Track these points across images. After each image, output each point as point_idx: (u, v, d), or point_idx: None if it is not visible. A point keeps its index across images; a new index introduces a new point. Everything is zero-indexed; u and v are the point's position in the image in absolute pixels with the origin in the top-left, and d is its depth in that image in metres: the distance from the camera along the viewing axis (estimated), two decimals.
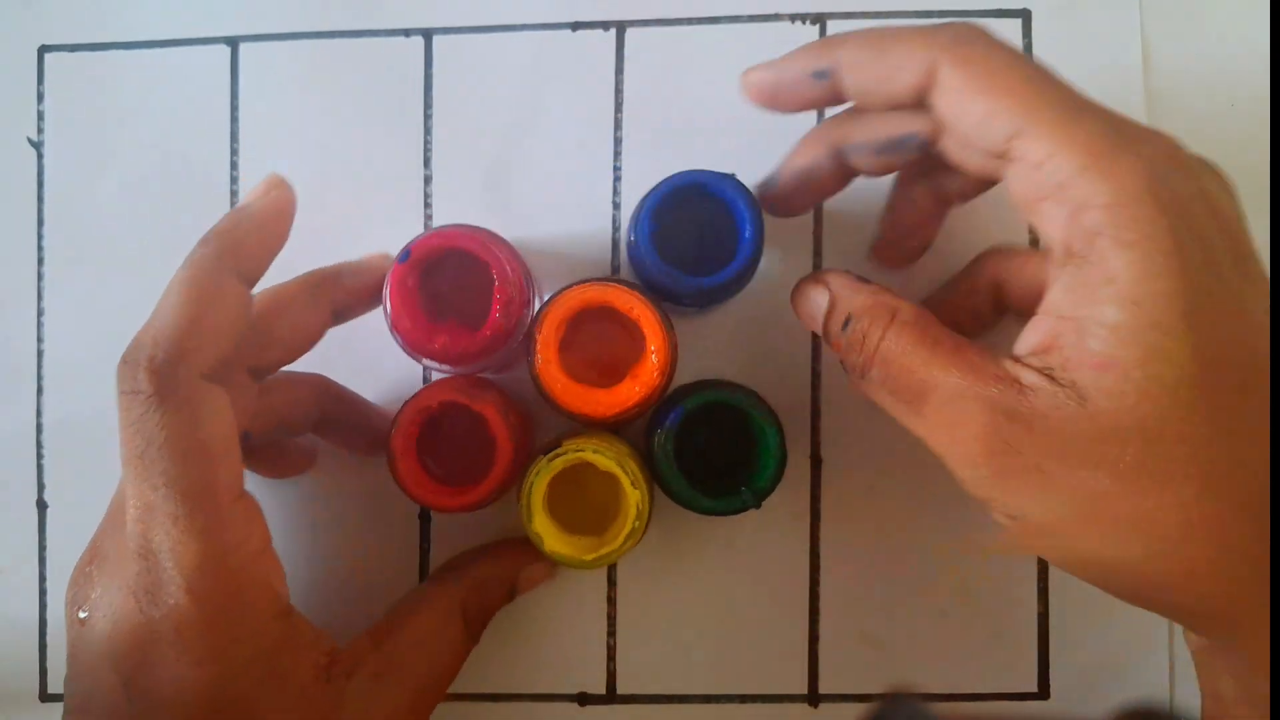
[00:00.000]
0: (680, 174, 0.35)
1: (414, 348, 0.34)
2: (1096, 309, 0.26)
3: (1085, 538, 0.27)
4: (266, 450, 0.39)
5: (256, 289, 0.34)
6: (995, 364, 0.28)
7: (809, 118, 0.41)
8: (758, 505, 0.35)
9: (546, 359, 0.34)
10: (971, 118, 0.28)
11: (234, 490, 0.31)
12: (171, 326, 0.30)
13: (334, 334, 0.42)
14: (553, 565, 0.39)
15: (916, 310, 0.30)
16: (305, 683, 0.31)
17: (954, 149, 0.30)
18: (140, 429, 0.29)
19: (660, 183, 0.35)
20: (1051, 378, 0.27)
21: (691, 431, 0.35)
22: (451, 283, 0.37)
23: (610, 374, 0.35)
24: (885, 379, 0.30)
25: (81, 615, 0.31)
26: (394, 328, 0.34)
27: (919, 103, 0.30)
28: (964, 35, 0.29)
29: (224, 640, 0.30)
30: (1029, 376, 0.27)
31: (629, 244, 0.36)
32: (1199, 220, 0.26)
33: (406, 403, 0.36)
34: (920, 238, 0.37)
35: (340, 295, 0.36)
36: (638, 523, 0.35)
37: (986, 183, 0.33)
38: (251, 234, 0.33)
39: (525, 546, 0.37)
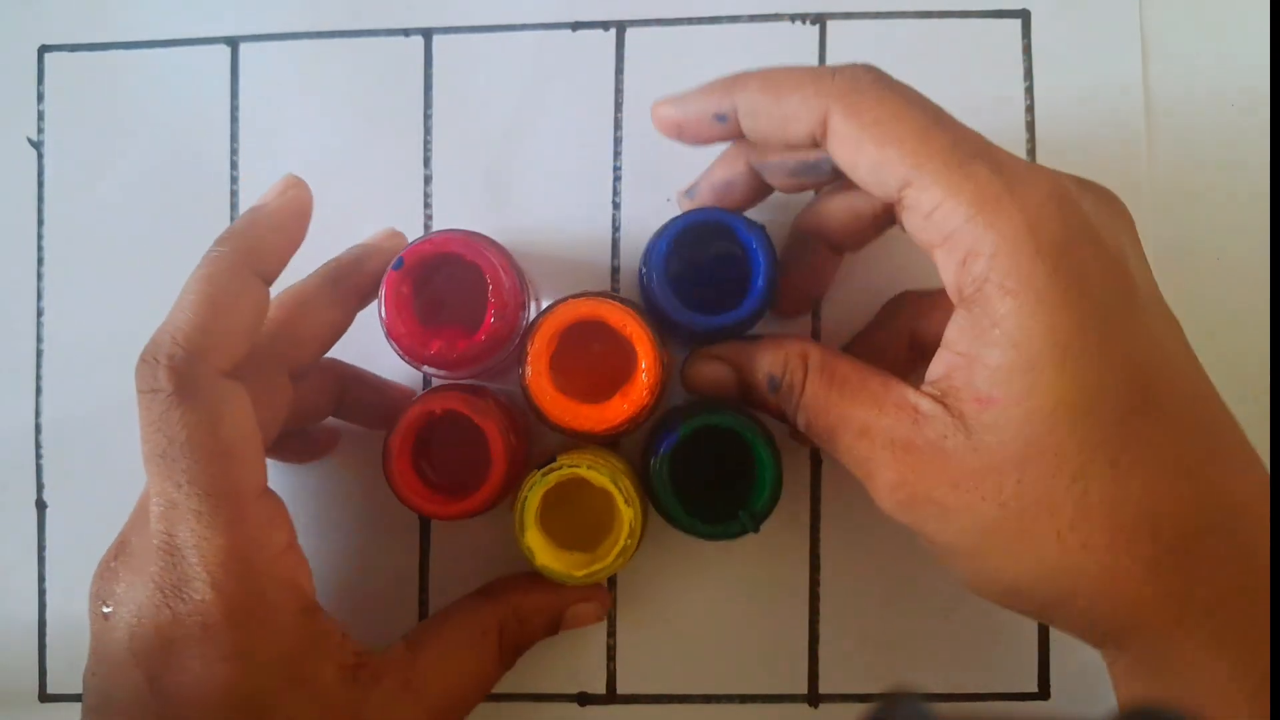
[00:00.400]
0: (704, 211, 0.35)
1: (409, 354, 0.35)
2: (983, 350, 0.28)
3: (983, 561, 0.29)
4: (290, 440, 0.39)
5: (274, 289, 0.34)
6: (896, 392, 0.30)
7: None
8: (755, 529, 0.35)
9: (537, 371, 0.34)
10: (863, 167, 0.29)
11: (257, 487, 0.31)
12: (190, 324, 0.30)
13: None
14: (604, 607, 0.39)
15: (821, 351, 0.32)
16: (329, 684, 0.31)
17: (852, 193, 0.32)
18: (161, 427, 0.29)
19: (680, 218, 0.35)
20: (945, 406, 0.28)
21: (688, 454, 0.35)
22: (448, 288, 0.37)
23: (602, 389, 0.35)
24: (807, 424, 0.32)
25: (105, 610, 0.31)
26: (389, 334, 0.34)
27: (816, 145, 0.31)
28: (856, 82, 0.29)
29: (248, 637, 0.30)
30: (926, 405, 0.29)
31: (642, 273, 0.36)
32: (1080, 259, 0.27)
33: (404, 409, 0.36)
34: (816, 288, 0.38)
35: (362, 281, 0.36)
36: (630, 540, 0.35)
37: (881, 227, 0.34)
38: (269, 233, 0.33)
39: (575, 588, 0.37)
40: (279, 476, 0.42)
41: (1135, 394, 0.27)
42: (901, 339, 0.37)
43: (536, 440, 0.41)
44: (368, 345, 0.41)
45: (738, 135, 0.33)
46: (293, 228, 0.33)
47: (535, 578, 0.38)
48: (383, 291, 0.34)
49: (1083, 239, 0.28)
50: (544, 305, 0.37)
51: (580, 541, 0.37)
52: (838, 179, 0.32)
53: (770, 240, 0.35)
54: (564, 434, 0.35)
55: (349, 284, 0.36)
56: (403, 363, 0.36)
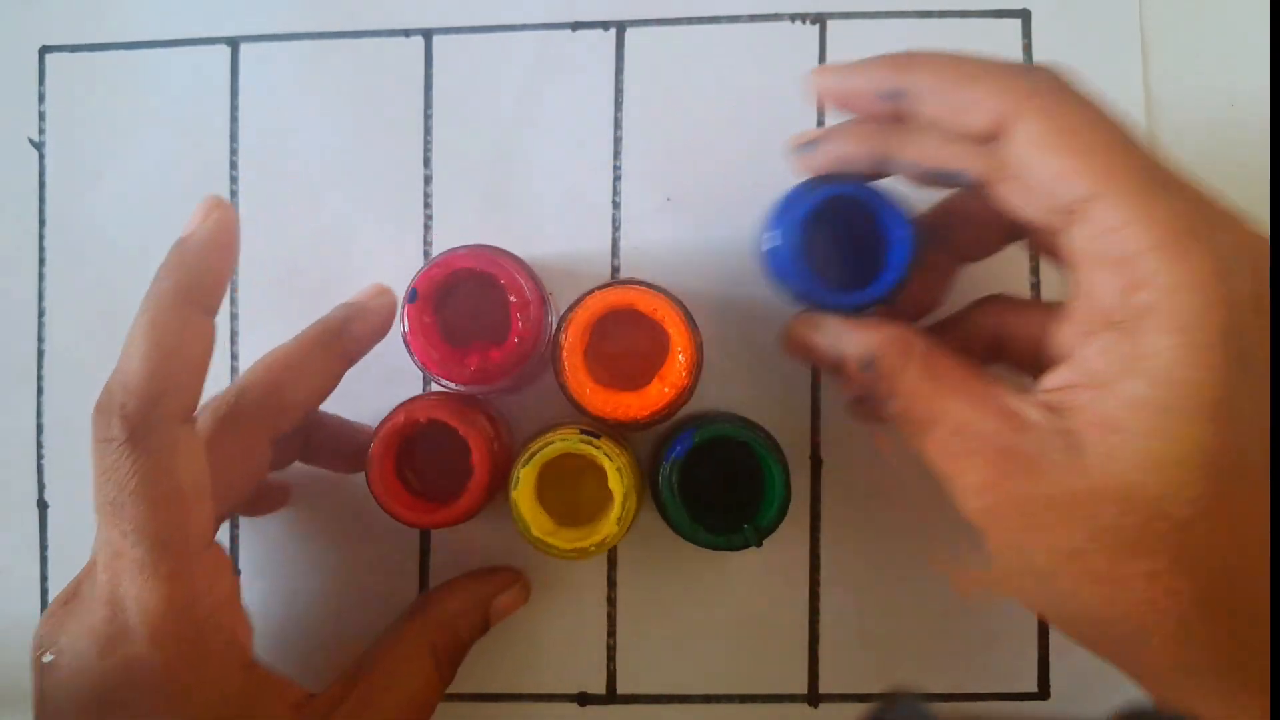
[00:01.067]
0: (852, 186, 0.33)
1: (448, 377, 0.35)
2: (1124, 379, 0.27)
3: (1057, 585, 0.28)
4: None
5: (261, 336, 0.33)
6: (1001, 395, 0.29)
7: (808, 115, 0.42)
8: (758, 544, 0.35)
9: (573, 366, 0.34)
10: (1045, 172, 0.28)
11: (204, 538, 0.31)
12: (140, 372, 0.30)
13: None
14: (524, 591, 0.40)
15: (925, 341, 0.31)
16: None
17: (1010, 194, 0.30)
18: (112, 475, 0.29)
19: (824, 189, 0.33)
20: (1059, 420, 0.28)
21: (698, 463, 0.35)
22: (464, 306, 0.37)
23: (636, 377, 0.35)
24: (902, 411, 0.31)
25: (46, 659, 0.31)
26: (423, 364, 0.35)
27: (986, 141, 0.29)
28: (1047, 84, 0.28)
29: (187, 689, 0.30)
30: (1034, 413, 0.28)
31: (766, 249, 0.35)
32: (1247, 322, 0.26)
33: (388, 416, 0.36)
34: (932, 298, 0.37)
35: (350, 344, 0.36)
36: (623, 512, 0.35)
37: (1012, 239, 0.34)
38: (202, 264, 0.32)
39: (492, 576, 0.37)
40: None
41: (1261, 468, 0.26)
42: (982, 338, 0.36)
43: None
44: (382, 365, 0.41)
45: (899, 117, 0.31)
46: (224, 252, 0.33)
47: (452, 585, 0.38)
48: (405, 326, 0.35)
49: (1259, 305, 0.26)
50: (555, 303, 0.38)
51: (579, 522, 0.37)
52: (967, 199, 0.32)
53: (916, 236, 0.33)
54: (605, 425, 0.35)
55: (336, 348, 0.36)
56: (401, 360, 0.36)
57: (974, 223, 0.34)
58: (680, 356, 0.34)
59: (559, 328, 0.35)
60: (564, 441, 0.35)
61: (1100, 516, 0.27)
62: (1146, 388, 0.26)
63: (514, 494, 0.35)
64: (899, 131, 0.32)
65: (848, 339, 0.33)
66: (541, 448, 0.35)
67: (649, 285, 0.35)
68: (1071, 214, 0.28)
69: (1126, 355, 0.27)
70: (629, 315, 0.35)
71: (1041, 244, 0.33)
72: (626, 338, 0.37)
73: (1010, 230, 0.34)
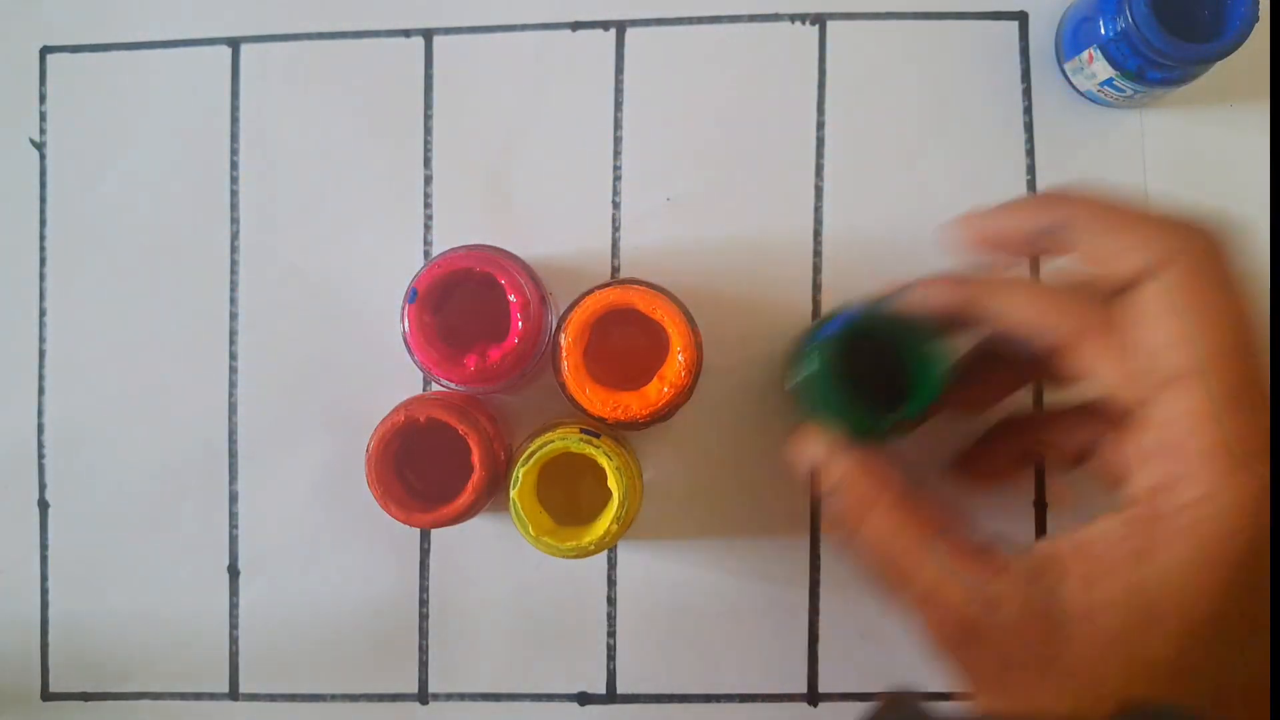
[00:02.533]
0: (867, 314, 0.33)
1: (447, 377, 0.35)
2: (1125, 571, 0.27)
3: None
4: None
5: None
6: (969, 554, 0.29)
7: (808, 115, 0.42)
8: (913, 422, 0.33)
9: (572, 365, 0.34)
10: (1159, 333, 0.27)
11: None
12: None
13: (334, 335, 0.42)
14: None
15: (902, 489, 0.31)
16: None
17: (1098, 354, 0.29)
18: None
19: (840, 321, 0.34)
20: (1037, 593, 0.28)
21: (847, 357, 0.33)
22: (464, 307, 0.37)
23: (636, 377, 0.35)
24: (869, 558, 0.31)
25: None
26: (422, 364, 0.35)
27: (1120, 290, 0.29)
28: (1199, 243, 0.27)
29: None
30: (1000, 579, 0.28)
31: (800, 378, 0.35)
32: (1264, 553, 0.26)
33: (388, 416, 0.36)
34: (993, 481, 0.38)
35: None
36: (621, 511, 0.35)
37: (1080, 462, 0.34)
38: None
39: None
40: (272, 484, 0.42)
41: (1244, 692, 0.27)
42: (1012, 456, 0.37)
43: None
44: (367, 345, 0.42)
45: (1049, 254, 0.31)
46: None
47: None
48: (405, 326, 0.35)
49: (1262, 559, 0.26)
50: (555, 303, 0.38)
51: (579, 521, 0.37)
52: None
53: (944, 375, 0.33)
54: (605, 425, 0.35)
55: None
56: (402, 358, 0.36)
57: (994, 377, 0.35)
58: (680, 356, 0.34)
59: (558, 327, 0.35)
60: (564, 441, 0.35)
61: (1064, 695, 0.27)
62: (1143, 588, 0.26)
63: (514, 493, 0.35)
64: (995, 284, 0.31)
65: (827, 457, 0.33)
66: (541, 447, 0.35)
67: (649, 285, 0.35)
68: (1164, 385, 0.27)
69: (1137, 549, 0.27)
70: (629, 315, 0.35)
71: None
72: (626, 337, 0.37)
73: (1017, 384, 0.35)
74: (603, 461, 0.35)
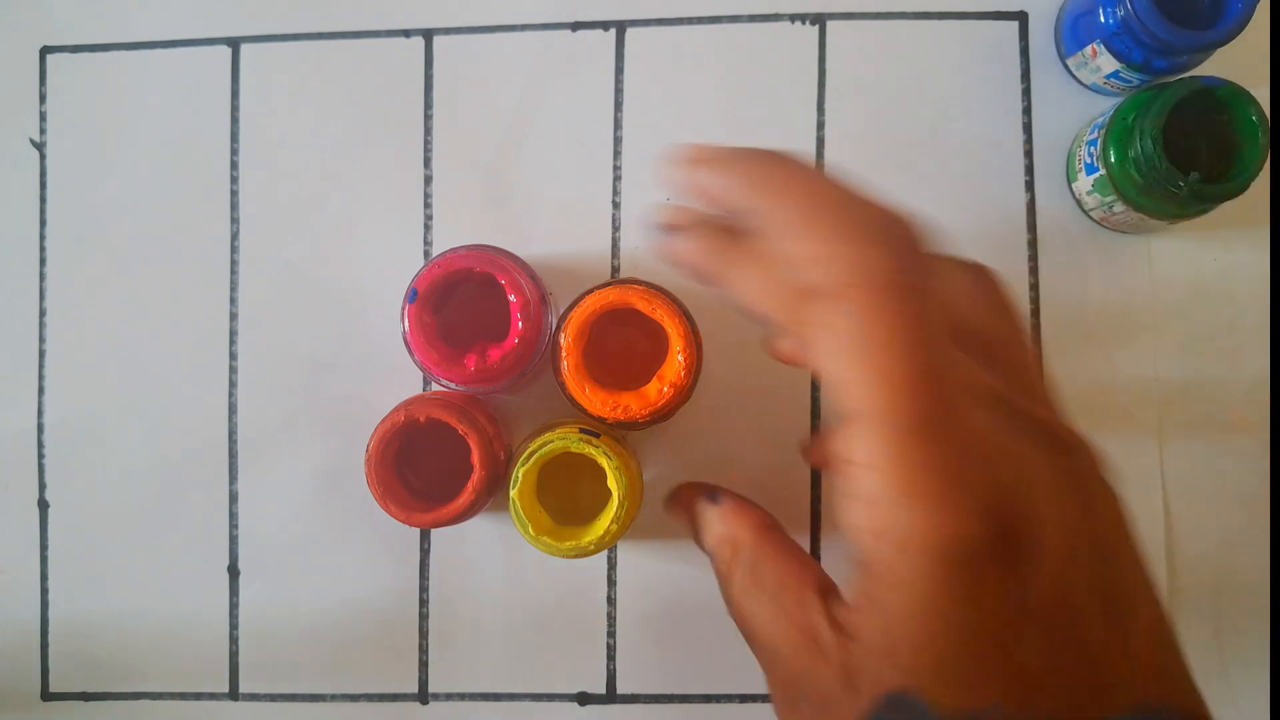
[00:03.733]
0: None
1: (447, 377, 0.35)
2: (872, 620, 0.27)
3: None
4: None
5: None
6: (809, 613, 0.29)
7: (808, 115, 0.42)
8: (1240, 190, 0.35)
9: (572, 366, 0.34)
10: (831, 372, 0.26)
11: None
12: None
13: (334, 335, 0.42)
14: None
15: (754, 539, 0.31)
16: None
17: (810, 359, 0.28)
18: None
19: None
20: (843, 644, 0.27)
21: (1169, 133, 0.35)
22: (465, 307, 0.37)
23: (637, 377, 0.35)
24: (732, 615, 0.31)
25: None
26: (422, 363, 0.35)
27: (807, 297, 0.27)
28: (881, 273, 0.26)
29: None
30: (827, 637, 0.28)
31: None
32: (980, 573, 0.26)
33: (388, 416, 0.36)
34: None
35: None
36: (619, 511, 0.35)
37: None
38: None
39: None
40: (272, 484, 0.42)
41: None
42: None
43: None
44: (368, 344, 0.42)
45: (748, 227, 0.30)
46: None
47: None
48: (405, 326, 0.35)
49: (1001, 549, 0.26)
50: (555, 303, 0.38)
51: (579, 521, 0.37)
52: None
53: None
54: (605, 425, 0.35)
55: None
56: (403, 358, 0.36)
57: None
58: (680, 356, 0.34)
59: (558, 327, 0.35)
60: (563, 441, 0.35)
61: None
62: (883, 636, 0.26)
63: (513, 493, 0.35)
64: (736, 257, 0.30)
65: (699, 522, 0.33)
66: (541, 447, 0.35)
67: (649, 285, 0.35)
68: (846, 422, 0.26)
69: (872, 597, 0.26)
70: (629, 315, 0.35)
71: None
72: (626, 338, 0.37)
73: None
74: (602, 461, 0.35)
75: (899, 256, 0.26)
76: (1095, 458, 0.28)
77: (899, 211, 0.26)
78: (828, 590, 0.29)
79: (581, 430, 0.35)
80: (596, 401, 0.34)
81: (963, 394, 0.26)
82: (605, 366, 0.36)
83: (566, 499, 0.39)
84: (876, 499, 0.25)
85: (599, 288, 0.35)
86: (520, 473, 0.35)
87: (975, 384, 0.27)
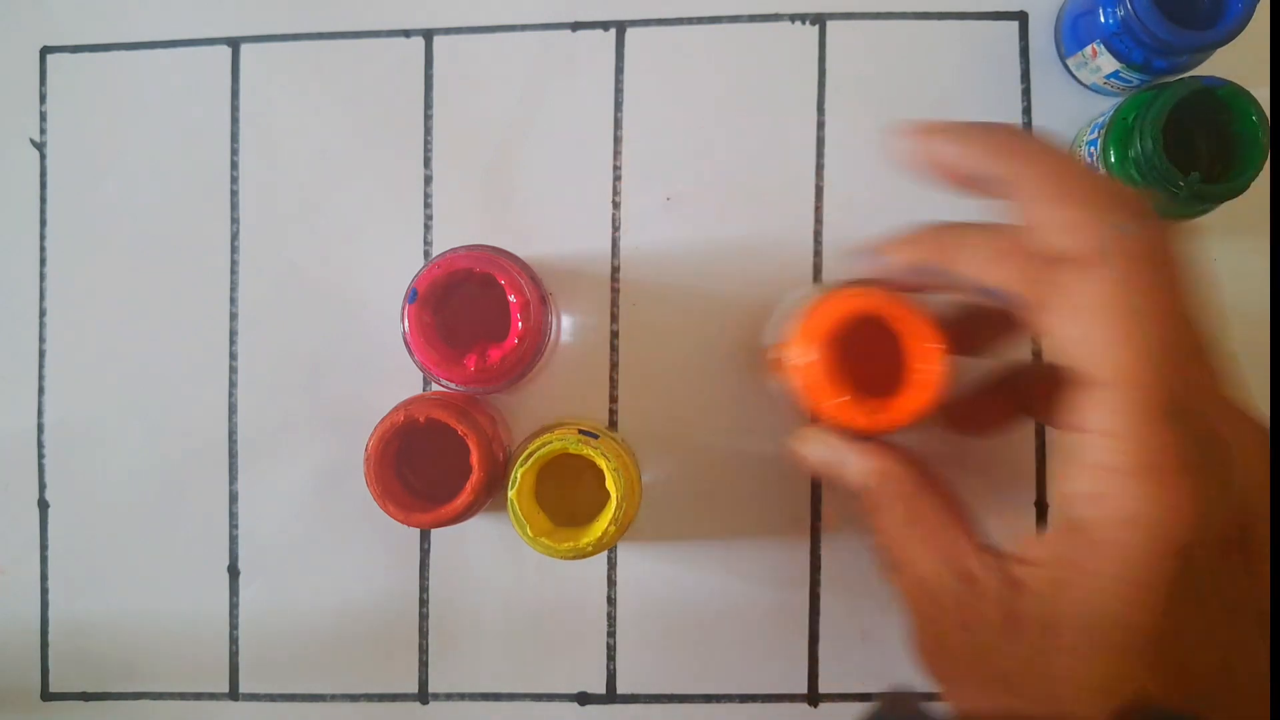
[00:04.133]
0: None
1: (448, 377, 0.35)
2: (1072, 588, 0.26)
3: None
4: None
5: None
6: (969, 555, 0.29)
7: (808, 115, 0.42)
8: (1240, 188, 0.35)
9: (813, 370, 0.32)
10: (1080, 335, 0.26)
11: None
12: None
13: (334, 335, 0.42)
14: None
15: (916, 479, 0.31)
16: None
17: (1050, 327, 0.27)
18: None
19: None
20: (1011, 595, 0.27)
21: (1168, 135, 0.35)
22: (465, 308, 0.37)
23: (875, 386, 0.33)
24: (877, 546, 0.32)
25: None
26: (422, 364, 0.35)
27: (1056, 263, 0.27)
28: (1142, 241, 0.25)
29: None
30: (992, 583, 0.28)
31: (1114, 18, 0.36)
32: (1208, 565, 0.26)
33: (387, 415, 0.36)
34: (982, 429, 0.38)
35: None
36: (617, 513, 0.35)
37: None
38: None
39: None
40: (272, 484, 0.42)
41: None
42: (1008, 408, 0.36)
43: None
44: (369, 344, 0.42)
45: (992, 198, 0.30)
46: None
47: None
48: (405, 326, 0.35)
49: (1227, 547, 0.26)
50: (555, 303, 0.38)
51: (578, 522, 0.37)
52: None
53: None
54: (851, 434, 0.33)
55: None
56: (403, 357, 0.36)
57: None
58: (927, 359, 0.32)
59: (794, 330, 0.33)
60: (562, 442, 0.35)
61: (1015, 705, 0.27)
62: (1086, 611, 0.26)
63: (512, 494, 0.35)
64: (955, 241, 0.30)
65: (849, 461, 0.33)
66: (539, 448, 0.35)
67: (890, 290, 0.32)
68: (1086, 388, 0.26)
69: (1078, 568, 0.26)
70: (871, 325, 0.33)
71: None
72: (865, 344, 0.34)
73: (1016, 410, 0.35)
74: (601, 463, 0.35)
75: (1158, 229, 0.25)
76: None
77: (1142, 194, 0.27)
78: (979, 537, 0.29)
79: (580, 431, 0.35)
80: (842, 410, 0.32)
81: (1208, 382, 0.26)
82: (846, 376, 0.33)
83: (565, 500, 0.39)
84: (1110, 468, 0.25)
85: (836, 290, 0.32)
86: (519, 474, 0.35)
87: (1214, 376, 0.26)
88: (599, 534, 0.35)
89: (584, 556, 0.35)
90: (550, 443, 0.35)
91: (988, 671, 0.28)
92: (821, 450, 0.34)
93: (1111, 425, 0.25)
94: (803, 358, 0.33)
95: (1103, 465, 0.25)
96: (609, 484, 0.35)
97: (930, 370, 0.32)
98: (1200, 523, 0.25)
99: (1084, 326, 0.26)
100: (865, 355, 0.33)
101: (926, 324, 0.32)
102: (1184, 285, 0.25)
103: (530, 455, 0.35)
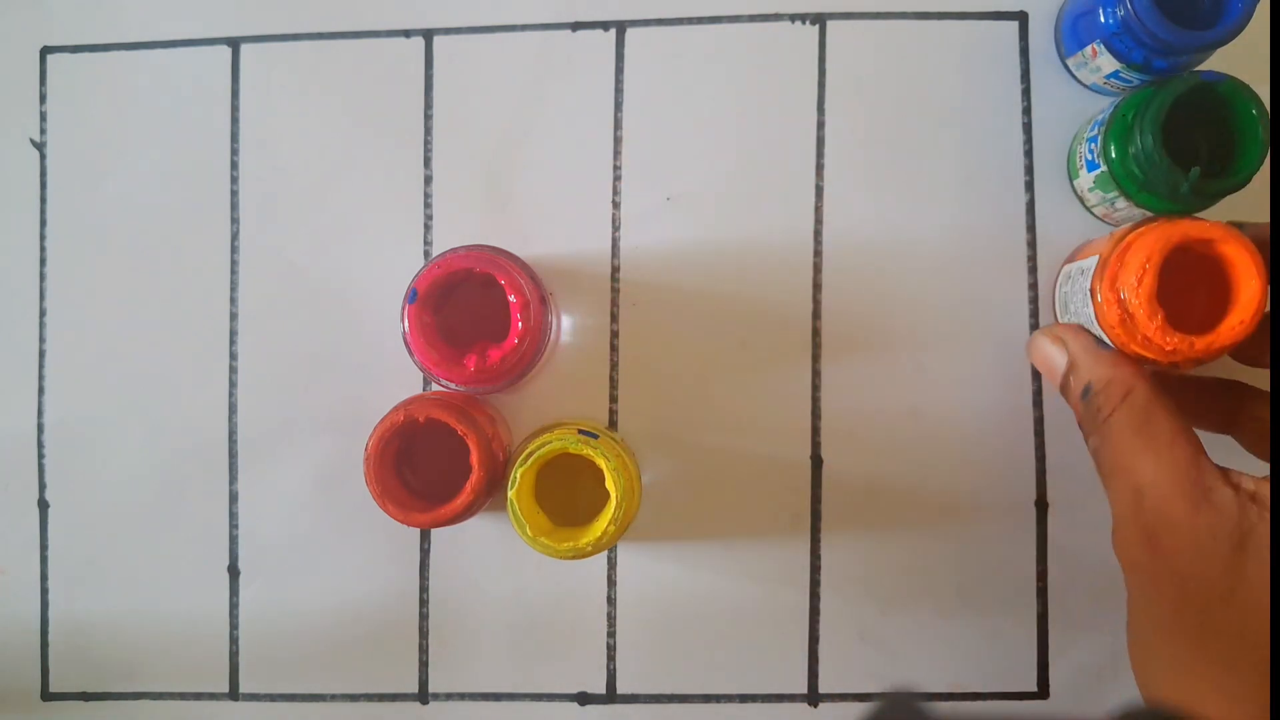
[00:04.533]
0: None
1: (448, 378, 0.35)
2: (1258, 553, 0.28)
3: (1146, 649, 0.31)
4: None
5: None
6: (1203, 466, 0.30)
7: (808, 115, 0.42)
8: (1194, 188, 0.35)
9: (1143, 293, 0.33)
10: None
11: None
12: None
13: (334, 335, 0.42)
14: None
15: (1149, 390, 0.32)
16: None
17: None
18: None
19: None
20: (1250, 508, 0.29)
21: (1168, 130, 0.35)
22: (464, 307, 0.37)
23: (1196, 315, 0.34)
24: (1100, 448, 0.33)
25: None
26: (422, 364, 0.35)
27: None
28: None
29: None
30: (1225, 494, 0.29)
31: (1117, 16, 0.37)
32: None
33: (387, 415, 0.36)
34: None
35: None
36: (617, 513, 0.35)
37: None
38: None
39: None
40: (272, 484, 0.42)
41: None
42: (1212, 416, 0.37)
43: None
44: (369, 344, 0.42)
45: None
46: None
47: None
48: (405, 326, 0.34)
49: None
50: (555, 303, 0.38)
51: (578, 522, 0.37)
52: None
53: None
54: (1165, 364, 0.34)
55: None
56: (403, 358, 0.36)
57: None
58: (1250, 283, 0.33)
59: (1117, 255, 0.34)
60: (561, 442, 0.35)
61: (1232, 686, 0.28)
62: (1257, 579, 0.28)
63: (511, 494, 0.35)
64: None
65: (1082, 360, 0.34)
66: (539, 448, 0.35)
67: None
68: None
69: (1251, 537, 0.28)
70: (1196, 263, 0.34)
71: None
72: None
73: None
74: (600, 462, 0.35)
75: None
76: None
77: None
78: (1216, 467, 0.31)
79: (580, 431, 0.35)
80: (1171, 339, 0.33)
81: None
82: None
83: (565, 500, 0.39)
84: None
85: (1158, 220, 0.35)
86: (518, 474, 0.35)
87: None
88: (599, 534, 0.35)
89: (584, 556, 0.35)
90: (550, 443, 0.35)
91: (1188, 606, 0.29)
92: (1051, 351, 0.36)
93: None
94: (1133, 283, 0.33)
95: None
96: (609, 484, 0.35)
97: (1253, 296, 0.33)
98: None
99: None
100: (1172, 288, 0.34)
101: (1252, 252, 0.33)
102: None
103: (530, 455, 0.35)
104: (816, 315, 0.41)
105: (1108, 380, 0.33)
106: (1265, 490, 0.29)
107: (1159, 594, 0.30)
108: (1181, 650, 0.29)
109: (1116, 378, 0.33)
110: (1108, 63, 0.38)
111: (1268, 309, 0.33)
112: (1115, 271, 0.34)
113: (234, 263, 0.42)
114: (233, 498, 0.42)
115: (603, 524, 0.35)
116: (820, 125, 0.42)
